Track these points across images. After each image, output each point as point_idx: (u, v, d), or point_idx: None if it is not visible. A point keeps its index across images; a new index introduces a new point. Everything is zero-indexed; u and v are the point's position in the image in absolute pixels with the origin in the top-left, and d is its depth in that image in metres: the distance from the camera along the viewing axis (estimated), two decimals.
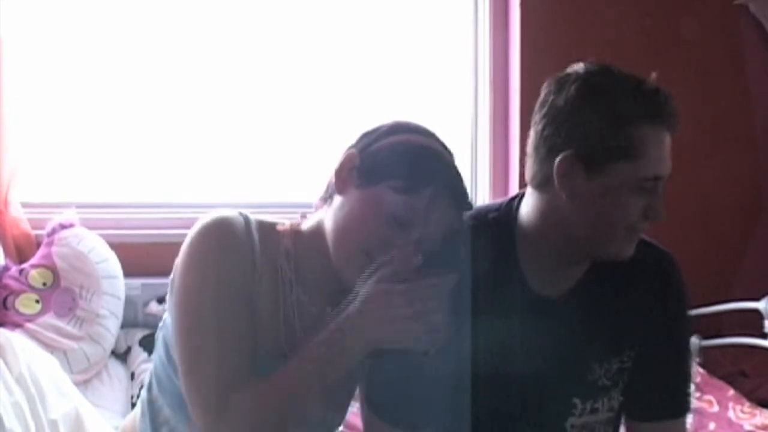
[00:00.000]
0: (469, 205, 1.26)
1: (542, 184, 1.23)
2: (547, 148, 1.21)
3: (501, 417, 1.29)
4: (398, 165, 1.20)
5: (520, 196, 1.32)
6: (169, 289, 1.29)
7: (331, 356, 1.16)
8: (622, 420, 1.41)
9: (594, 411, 1.32)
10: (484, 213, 1.33)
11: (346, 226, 1.22)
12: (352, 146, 1.28)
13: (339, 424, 1.39)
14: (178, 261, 1.25)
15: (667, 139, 1.20)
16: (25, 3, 2.55)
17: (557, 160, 1.19)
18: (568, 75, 1.22)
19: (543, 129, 1.22)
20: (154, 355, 1.36)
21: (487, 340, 1.25)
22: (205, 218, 1.24)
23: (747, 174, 2.95)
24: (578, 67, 1.23)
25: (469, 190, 1.26)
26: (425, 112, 2.82)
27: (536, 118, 1.25)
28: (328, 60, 2.85)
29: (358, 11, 2.89)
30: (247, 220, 1.26)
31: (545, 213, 1.24)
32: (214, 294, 1.20)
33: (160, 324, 1.35)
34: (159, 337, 1.34)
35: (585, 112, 1.18)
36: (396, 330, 1.13)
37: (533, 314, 1.26)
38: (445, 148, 1.26)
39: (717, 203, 2.91)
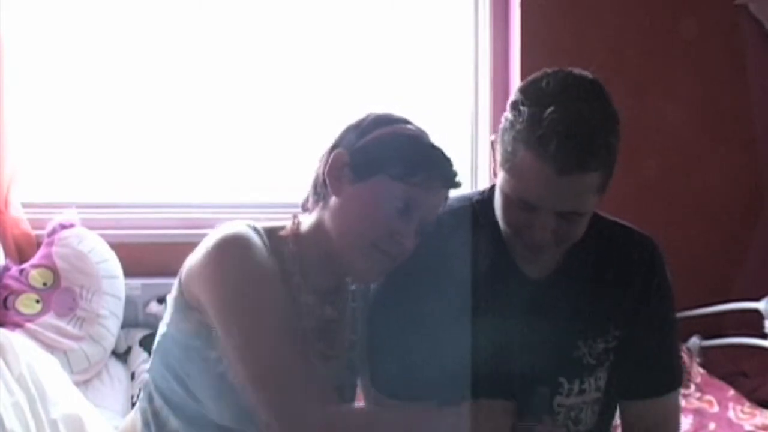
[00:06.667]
0: (458, 184, 1.31)
1: None
2: None
3: (492, 395, 1.31)
4: (391, 155, 1.24)
5: None
6: (178, 308, 1.27)
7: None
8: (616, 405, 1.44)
9: (581, 392, 1.35)
10: (468, 197, 1.40)
11: (351, 223, 1.24)
12: (335, 145, 1.30)
13: None
14: (203, 281, 1.22)
15: (553, 176, 1.14)
16: (25, 3, 2.55)
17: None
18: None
19: None
20: (153, 368, 1.34)
21: (481, 319, 1.29)
22: (220, 235, 1.22)
23: (747, 174, 2.95)
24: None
25: (458, 174, 1.31)
26: (425, 111, 2.81)
27: None
28: (328, 59, 2.85)
29: (358, 11, 2.89)
30: (256, 230, 1.26)
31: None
32: (263, 302, 1.20)
33: (158, 337, 1.32)
34: (158, 350, 1.32)
35: (506, 114, 1.23)
36: None
37: (521, 294, 1.32)
38: (426, 133, 1.31)
39: (717, 203, 2.90)
